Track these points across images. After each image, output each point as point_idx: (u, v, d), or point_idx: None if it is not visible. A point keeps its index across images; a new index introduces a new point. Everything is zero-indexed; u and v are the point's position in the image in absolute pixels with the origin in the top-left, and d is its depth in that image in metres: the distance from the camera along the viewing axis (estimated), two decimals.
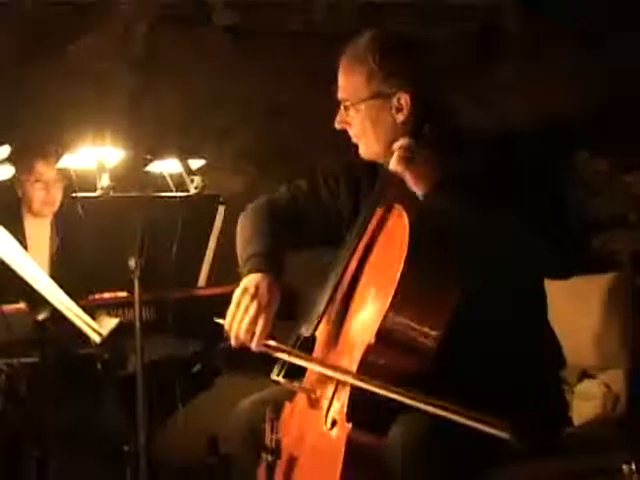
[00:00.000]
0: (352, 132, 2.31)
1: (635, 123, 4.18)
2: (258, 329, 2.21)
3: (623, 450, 2.30)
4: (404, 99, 2.22)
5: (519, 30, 4.50)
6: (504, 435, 1.93)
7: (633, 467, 2.20)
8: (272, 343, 2.23)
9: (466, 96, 4.19)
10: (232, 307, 2.26)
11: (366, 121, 2.25)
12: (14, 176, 3.51)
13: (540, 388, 2.24)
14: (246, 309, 2.23)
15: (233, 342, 2.26)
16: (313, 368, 2.21)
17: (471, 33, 4.53)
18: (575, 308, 2.83)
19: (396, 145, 2.18)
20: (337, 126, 2.31)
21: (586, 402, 2.88)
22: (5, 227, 3.40)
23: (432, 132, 2.20)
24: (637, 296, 2.63)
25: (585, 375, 2.96)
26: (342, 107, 2.30)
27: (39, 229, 3.68)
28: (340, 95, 2.31)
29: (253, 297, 2.24)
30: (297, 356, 2.19)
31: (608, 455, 2.31)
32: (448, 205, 2.10)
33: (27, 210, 3.69)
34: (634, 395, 2.58)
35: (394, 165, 2.16)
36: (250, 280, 2.28)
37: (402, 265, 2.04)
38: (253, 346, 2.22)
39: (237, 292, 2.27)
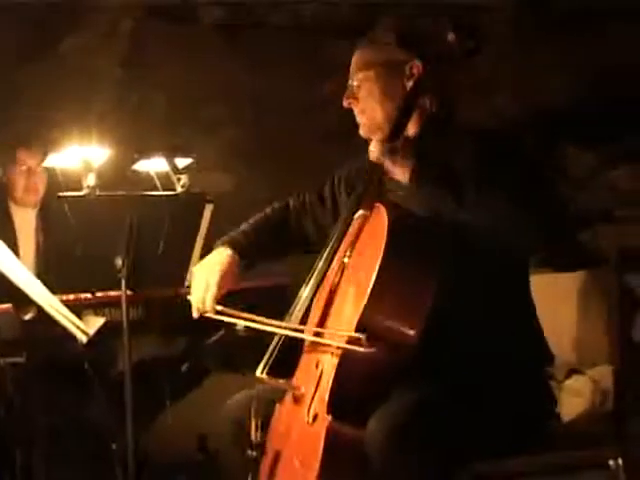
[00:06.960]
0: (358, 108, 2.32)
1: (622, 118, 4.19)
2: (208, 295, 2.35)
3: (611, 445, 2.31)
4: (416, 67, 2.25)
5: (508, 23, 4.49)
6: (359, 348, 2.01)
7: (620, 462, 2.21)
8: (223, 309, 2.33)
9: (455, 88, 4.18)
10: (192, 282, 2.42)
11: (375, 87, 2.28)
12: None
13: (525, 383, 2.24)
14: (200, 279, 2.38)
15: (194, 313, 2.38)
16: (269, 330, 2.23)
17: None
18: (562, 304, 2.83)
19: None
20: (345, 103, 2.33)
21: (574, 398, 2.89)
22: None
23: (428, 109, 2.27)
24: (624, 292, 2.64)
25: (573, 371, 2.96)
26: (351, 85, 2.32)
27: (25, 219, 3.70)
28: (351, 73, 2.32)
29: (206, 270, 2.39)
30: (250, 320, 2.25)
31: (596, 450, 2.32)
32: (429, 189, 2.14)
33: (12, 200, 3.75)
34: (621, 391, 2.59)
35: (374, 153, 2.19)
36: (207, 257, 2.44)
37: (380, 261, 2.05)
38: (208, 311, 2.35)
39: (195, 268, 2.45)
